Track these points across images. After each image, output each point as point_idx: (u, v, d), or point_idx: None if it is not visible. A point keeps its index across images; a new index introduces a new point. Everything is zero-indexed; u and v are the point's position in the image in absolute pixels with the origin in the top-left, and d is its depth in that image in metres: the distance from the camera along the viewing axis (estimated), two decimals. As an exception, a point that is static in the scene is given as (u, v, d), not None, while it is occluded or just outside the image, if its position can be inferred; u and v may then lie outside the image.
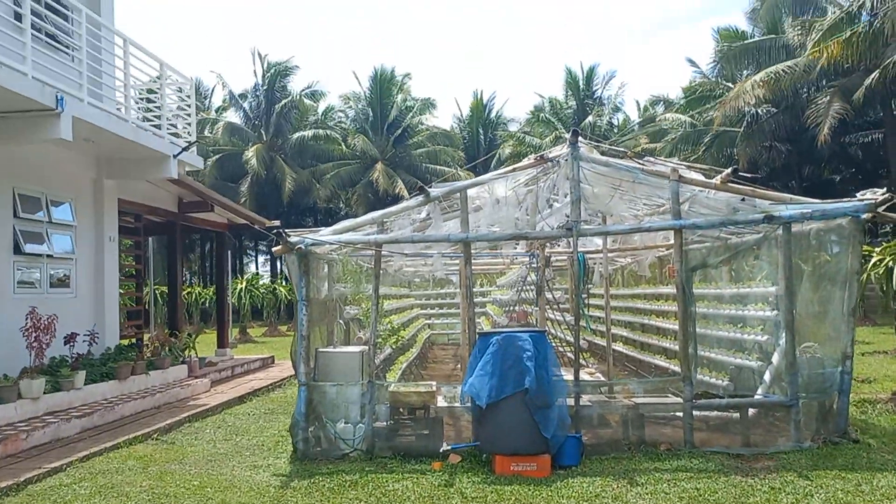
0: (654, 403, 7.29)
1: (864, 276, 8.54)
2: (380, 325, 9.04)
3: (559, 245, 11.21)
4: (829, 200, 7.68)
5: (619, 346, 13.56)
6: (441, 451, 6.91)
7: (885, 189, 7.28)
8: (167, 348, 11.90)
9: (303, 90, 42.44)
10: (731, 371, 8.95)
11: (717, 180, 7.43)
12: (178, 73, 11.50)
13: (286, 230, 7.47)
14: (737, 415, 7.61)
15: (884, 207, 7.40)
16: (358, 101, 44.28)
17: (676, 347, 10.29)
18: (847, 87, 24.11)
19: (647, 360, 12.10)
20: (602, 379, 8.97)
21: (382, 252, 7.93)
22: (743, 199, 7.49)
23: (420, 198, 7.58)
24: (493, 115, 50.22)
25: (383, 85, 42.67)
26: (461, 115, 51.40)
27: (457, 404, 7.29)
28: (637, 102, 49.75)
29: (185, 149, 10.80)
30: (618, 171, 7.51)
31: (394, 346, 8.84)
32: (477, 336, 7.06)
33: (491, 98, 50.58)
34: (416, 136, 43.40)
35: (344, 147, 41.83)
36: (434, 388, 7.45)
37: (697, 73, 36.10)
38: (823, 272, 7.64)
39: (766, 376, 8.10)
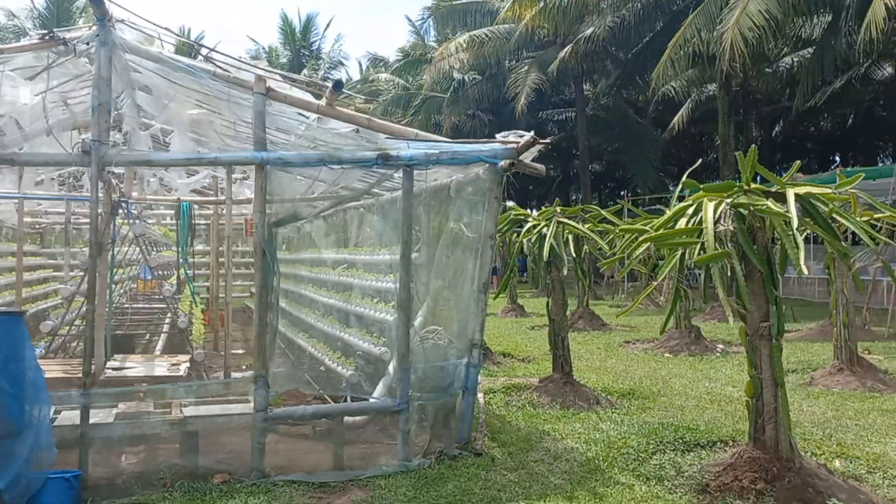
0: (212, 416, 5.04)
1: (518, 243, 7.09)
2: None
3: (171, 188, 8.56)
4: (469, 140, 6.02)
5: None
6: None
7: (532, 132, 5.73)
8: None
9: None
10: (357, 359, 7.08)
11: (322, 101, 5.36)
12: None
13: None
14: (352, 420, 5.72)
15: (533, 158, 5.90)
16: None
17: (329, 329, 8.32)
18: (544, 60, 24.34)
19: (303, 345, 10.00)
20: (180, 373, 6.56)
21: None
22: (357, 131, 5.52)
23: None
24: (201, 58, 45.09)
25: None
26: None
27: None
28: (359, 62, 48.08)
29: None
30: (179, 73, 5.06)
31: None
32: None
33: (199, 38, 45.41)
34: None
35: None
36: None
37: (414, 35, 35.19)
38: (457, 236, 5.98)
39: (391, 367, 6.31)
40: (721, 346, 11.15)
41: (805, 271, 4.15)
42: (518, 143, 5.42)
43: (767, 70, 22.65)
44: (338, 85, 5.17)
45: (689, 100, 26.99)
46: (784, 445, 4.83)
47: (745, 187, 4.81)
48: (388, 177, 5.68)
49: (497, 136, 5.61)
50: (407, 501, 4.60)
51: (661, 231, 4.78)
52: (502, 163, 5.34)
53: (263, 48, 45.15)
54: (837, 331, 8.34)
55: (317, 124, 5.61)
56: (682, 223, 4.91)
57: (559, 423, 6.42)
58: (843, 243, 4.73)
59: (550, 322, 7.74)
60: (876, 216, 7.87)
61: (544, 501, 4.59)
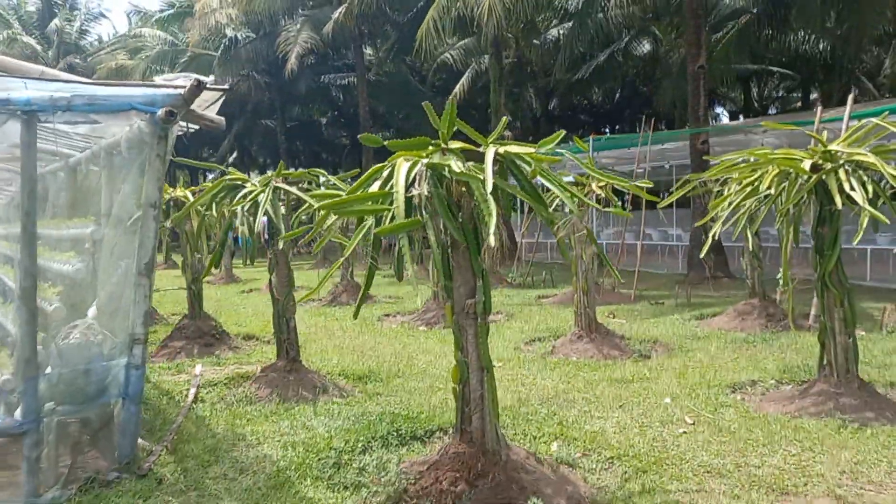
0: None
1: (231, 212, 6.06)
2: None
3: None
4: (124, 83, 4.85)
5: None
6: None
7: (211, 77, 4.70)
8: None
9: None
10: (16, 359, 5.69)
11: None
12: None
13: None
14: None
15: (212, 107, 4.88)
16: None
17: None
18: (319, 19, 23.06)
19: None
20: None
21: None
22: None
23: None
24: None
25: None
26: None
27: None
28: (128, 16, 43.49)
29: None
30: None
31: None
32: None
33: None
34: None
35: None
36: None
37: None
38: (122, 206, 4.83)
39: (50, 369, 5.04)
40: (479, 316, 10.88)
41: (492, 243, 3.54)
42: (183, 89, 4.36)
43: (536, 42, 23.12)
44: None
45: (469, 69, 27.11)
46: (490, 437, 4.30)
47: (443, 145, 4.16)
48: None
49: (157, 78, 4.51)
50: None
51: (342, 197, 3.98)
52: (160, 112, 4.25)
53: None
54: (577, 297, 8.23)
55: None
56: (376, 187, 4.16)
57: (265, 423, 5.53)
58: (548, 210, 4.23)
59: (274, 302, 6.80)
60: (610, 182, 7.80)
61: (202, 535, 3.68)
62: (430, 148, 4.15)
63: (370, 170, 4.23)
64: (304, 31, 22.34)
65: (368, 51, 29.34)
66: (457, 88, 26.76)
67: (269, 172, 6.97)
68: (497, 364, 7.53)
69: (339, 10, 21.25)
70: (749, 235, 8.87)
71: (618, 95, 35.75)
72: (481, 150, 4.26)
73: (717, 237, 7.26)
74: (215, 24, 23.59)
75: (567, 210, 8.01)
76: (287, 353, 6.75)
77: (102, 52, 34.06)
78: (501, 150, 4.10)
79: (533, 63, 27.46)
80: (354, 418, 5.55)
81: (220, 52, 26.30)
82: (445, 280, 4.39)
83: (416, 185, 3.99)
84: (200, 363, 7.79)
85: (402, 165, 4.02)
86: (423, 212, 4.01)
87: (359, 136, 4.13)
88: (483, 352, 4.37)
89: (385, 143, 3.93)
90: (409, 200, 3.97)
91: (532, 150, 4.26)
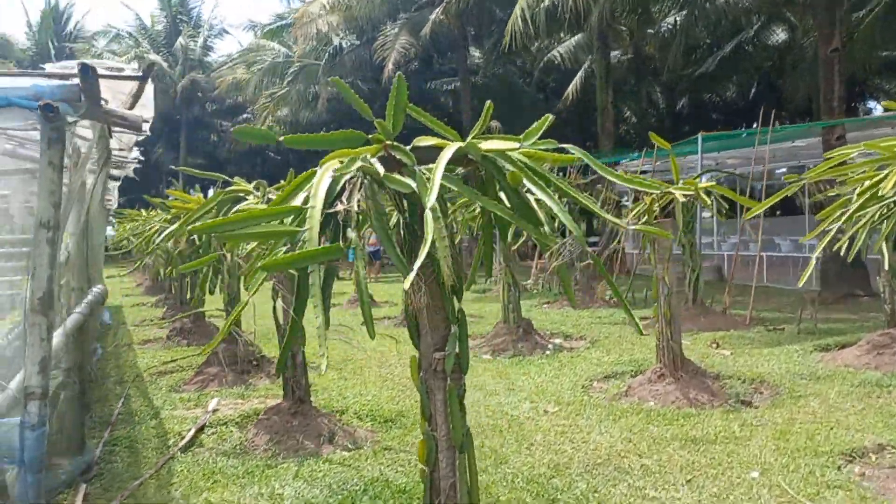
0: None
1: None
2: None
3: None
4: (18, 72, 3.99)
5: None
6: None
7: (133, 64, 3.77)
8: None
9: None
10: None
11: None
12: None
13: None
14: None
15: (144, 104, 3.98)
16: None
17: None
18: (417, 21, 22.30)
19: None
20: None
21: None
22: None
23: None
24: (71, 26, 41.45)
25: None
26: (31, 23, 41.73)
27: None
28: (255, 31, 44.81)
29: None
30: None
31: None
32: None
33: (69, 6, 41.73)
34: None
35: None
36: None
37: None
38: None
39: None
40: (557, 340, 9.53)
41: (406, 286, 2.36)
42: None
43: (650, 31, 21.20)
44: None
45: (581, 68, 25.52)
46: (465, 545, 3.10)
47: (387, 143, 3.00)
48: None
49: (48, 66, 3.64)
50: None
51: (242, 212, 2.91)
52: (38, 108, 3.36)
53: (139, 15, 41.72)
54: (659, 326, 6.72)
55: None
56: (300, 199, 3.07)
57: (231, 487, 4.55)
58: (538, 228, 2.97)
59: (278, 328, 5.87)
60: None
61: None
62: (372, 146, 3.00)
63: (298, 177, 3.14)
64: (402, 35, 21.64)
65: (476, 53, 28.36)
66: (569, 89, 25.27)
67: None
68: (552, 409, 6.21)
69: (437, 10, 20.38)
70: (885, 251, 7.04)
71: (753, 90, 32.73)
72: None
73: (843, 250, 5.65)
74: (317, 31, 23.38)
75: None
76: (293, 392, 5.78)
77: (224, 68, 35.08)
78: (477, 146, 2.90)
79: (656, 59, 25.40)
80: (337, 486, 4.47)
81: (324, 60, 26.20)
82: (411, 331, 3.25)
83: (343, 197, 2.86)
84: (219, 396, 7.00)
85: (327, 170, 2.91)
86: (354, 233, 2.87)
87: (233, 129, 3.05)
88: (456, 425, 3.17)
89: (281, 138, 2.80)
90: (335, 218, 2.85)
91: (515, 144, 3.03)
